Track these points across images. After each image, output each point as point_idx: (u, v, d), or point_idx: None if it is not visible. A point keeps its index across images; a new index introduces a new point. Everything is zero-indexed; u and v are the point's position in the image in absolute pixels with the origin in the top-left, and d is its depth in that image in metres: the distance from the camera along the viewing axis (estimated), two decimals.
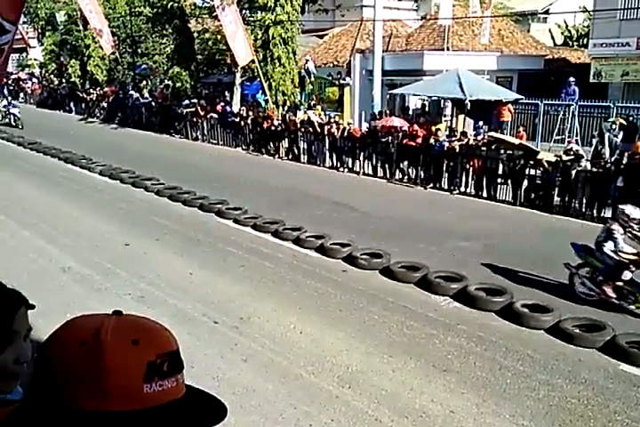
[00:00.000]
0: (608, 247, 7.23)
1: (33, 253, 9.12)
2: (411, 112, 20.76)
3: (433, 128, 14.85)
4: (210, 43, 24.53)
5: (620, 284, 7.23)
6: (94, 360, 0.93)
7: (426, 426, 4.97)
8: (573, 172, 11.92)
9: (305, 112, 19.84)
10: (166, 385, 0.97)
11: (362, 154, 16.06)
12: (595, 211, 11.76)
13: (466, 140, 14.00)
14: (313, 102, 21.37)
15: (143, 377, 0.95)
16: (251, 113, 19.98)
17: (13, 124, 23.47)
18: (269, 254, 9.34)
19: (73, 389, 0.94)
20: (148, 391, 0.95)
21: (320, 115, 19.20)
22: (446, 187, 14.22)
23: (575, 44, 29.03)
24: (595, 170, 11.84)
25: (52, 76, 35.92)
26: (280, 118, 18.91)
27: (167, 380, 0.97)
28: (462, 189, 13.98)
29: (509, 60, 22.57)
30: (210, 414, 1.02)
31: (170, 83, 26.11)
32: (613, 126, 15.34)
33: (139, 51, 31.37)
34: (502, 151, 13.28)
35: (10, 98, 24.81)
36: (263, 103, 21.77)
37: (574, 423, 5.02)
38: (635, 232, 7.28)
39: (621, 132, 14.98)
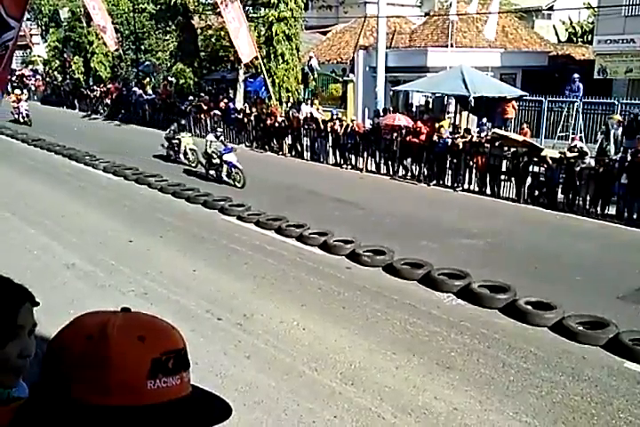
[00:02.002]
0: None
1: (37, 250, 9.14)
2: (414, 109, 20.71)
3: (436, 125, 14.82)
4: (213, 39, 24.55)
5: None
6: (99, 355, 0.94)
7: (429, 423, 4.97)
8: (577, 169, 11.88)
9: (310, 105, 19.81)
10: (170, 383, 0.97)
11: (365, 151, 16.05)
12: (599, 208, 11.73)
13: (469, 137, 13.98)
14: (312, 99, 21.35)
15: (147, 374, 0.95)
16: (254, 110, 19.99)
17: (227, 179, 13.87)
18: (273, 251, 9.34)
19: (78, 383, 0.95)
20: (152, 388, 0.95)
21: (318, 109, 19.24)
22: (450, 184, 14.20)
23: (579, 40, 28.93)
24: (599, 167, 11.80)
25: (55, 72, 35.98)
26: (283, 115, 18.91)
27: (172, 377, 0.97)
28: (466, 186, 13.96)
29: (513, 56, 22.51)
30: (214, 413, 1.02)
31: (173, 79, 26.12)
32: (611, 122, 15.28)
33: (142, 47, 31.40)
34: (506, 148, 13.25)
35: (219, 132, 15.10)
36: (266, 99, 21.76)
37: (577, 421, 5.02)
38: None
39: (620, 129, 14.93)
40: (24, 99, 24.80)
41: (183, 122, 17.60)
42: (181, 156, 16.19)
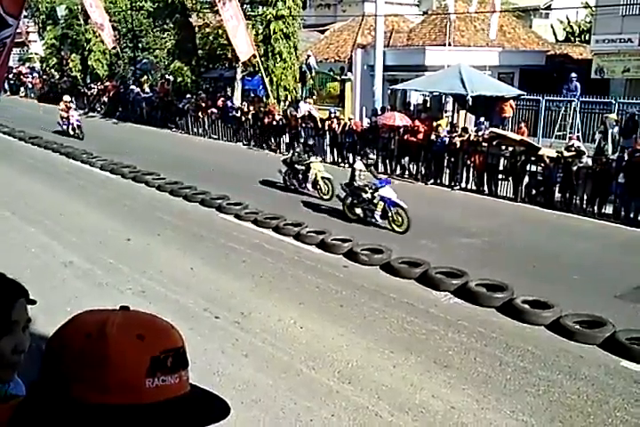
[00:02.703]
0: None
1: (36, 249, 9.13)
2: (412, 108, 20.71)
3: (434, 124, 14.82)
4: (211, 37, 24.49)
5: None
6: (98, 353, 0.94)
7: (426, 422, 4.98)
8: (574, 168, 11.90)
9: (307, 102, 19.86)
10: (169, 381, 0.97)
11: (363, 150, 16.01)
12: (596, 207, 11.74)
13: (467, 136, 13.99)
14: (306, 97, 21.37)
15: (146, 372, 0.95)
16: (252, 108, 19.98)
17: (380, 221, 10.65)
18: (271, 250, 9.35)
19: (77, 381, 0.95)
20: (150, 386, 0.95)
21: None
22: (447, 183, 14.21)
23: (577, 39, 28.94)
24: (596, 166, 11.82)
25: (52, 70, 35.88)
26: (281, 114, 18.91)
27: (170, 376, 0.97)
28: (463, 185, 13.97)
29: (511, 55, 22.51)
30: (212, 411, 1.02)
31: (171, 78, 26.08)
32: (609, 121, 15.29)
33: (140, 45, 31.34)
34: (504, 147, 13.26)
35: (371, 159, 11.54)
36: (264, 98, 21.75)
37: (574, 419, 5.03)
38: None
39: (616, 128, 14.95)
40: (74, 107, 21.41)
41: (311, 142, 14.13)
42: (309, 186, 12.93)
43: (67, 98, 21.45)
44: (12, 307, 1.28)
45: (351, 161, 16.00)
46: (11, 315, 1.28)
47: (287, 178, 13.47)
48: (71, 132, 20.42)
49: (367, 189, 10.73)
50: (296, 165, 13.23)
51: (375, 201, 10.65)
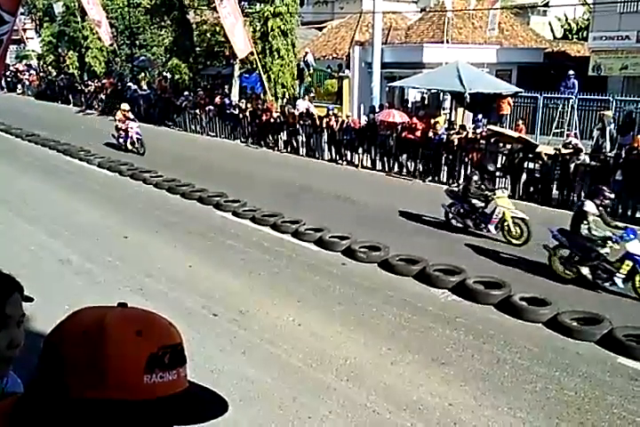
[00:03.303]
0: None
1: (34, 246, 9.12)
2: (410, 105, 20.70)
3: (432, 121, 14.83)
4: (208, 34, 24.46)
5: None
6: (96, 349, 0.94)
7: (424, 419, 4.99)
8: (572, 165, 11.92)
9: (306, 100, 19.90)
10: (167, 377, 0.97)
11: (361, 147, 16.04)
12: None
13: (465, 133, 14.00)
14: (305, 95, 21.39)
15: (144, 368, 0.95)
16: (249, 105, 19.95)
17: (621, 287, 7.65)
18: (268, 247, 9.34)
19: (74, 377, 0.95)
20: (148, 382, 0.95)
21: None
22: (445, 180, 14.22)
23: (575, 37, 28.96)
24: (594, 163, 11.84)
25: (49, 67, 35.83)
26: (279, 111, 18.89)
27: (168, 372, 0.97)
28: (461, 182, 13.96)
29: (509, 53, 22.52)
30: (210, 408, 1.02)
31: (168, 75, 26.03)
32: (607, 119, 15.31)
33: (137, 42, 31.29)
34: (501, 145, 13.27)
35: (606, 199, 8.08)
36: (262, 95, 21.74)
37: (571, 416, 5.04)
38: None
39: (612, 125, 14.97)
40: (131, 117, 17.79)
41: (492, 168, 11.36)
42: (490, 227, 9.94)
43: (125, 106, 18.14)
44: (7, 301, 1.28)
45: (349, 158, 15.94)
46: (4, 309, 1.28)
47: (455, 215, 10.44)
48: (129, 147, 17.39)
49: (609, 242, 7.73)
50: (473, 200, 10.23)
51: (613, 259, 7.72)
